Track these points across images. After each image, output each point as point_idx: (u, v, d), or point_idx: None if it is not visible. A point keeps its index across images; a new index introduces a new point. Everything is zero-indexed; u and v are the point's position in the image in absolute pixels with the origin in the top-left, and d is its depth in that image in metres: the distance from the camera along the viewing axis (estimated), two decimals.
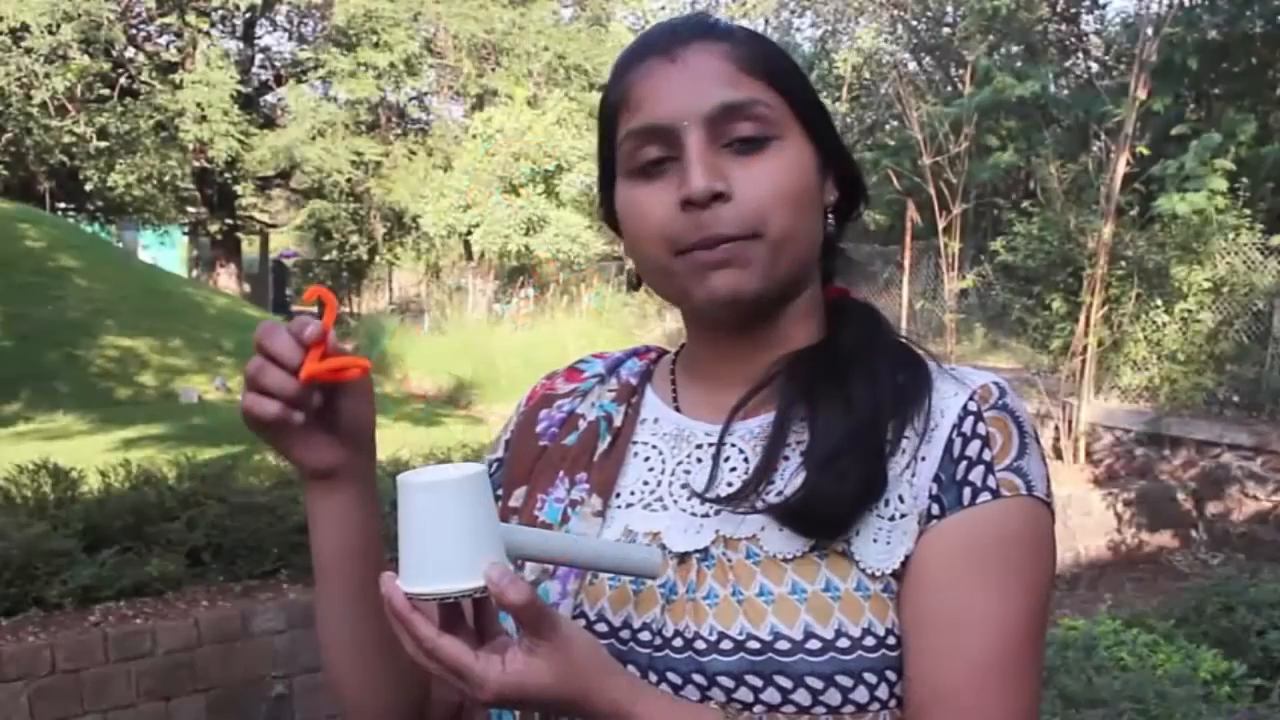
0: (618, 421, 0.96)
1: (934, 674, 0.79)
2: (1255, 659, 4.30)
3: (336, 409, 0.87)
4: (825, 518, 0.82)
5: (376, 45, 19.92)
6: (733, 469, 0.89)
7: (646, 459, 0.94)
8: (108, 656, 4.26)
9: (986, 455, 0.83)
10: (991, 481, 0.82)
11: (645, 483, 0.92)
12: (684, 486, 0.90)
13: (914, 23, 22.10)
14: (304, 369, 0.81)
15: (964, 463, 0.83)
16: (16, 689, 4.07)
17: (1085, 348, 8.60)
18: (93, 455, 6.59)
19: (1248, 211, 9.40)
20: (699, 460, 0.91)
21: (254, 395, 0.82)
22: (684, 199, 0.83)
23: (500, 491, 0.99)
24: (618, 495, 0.92)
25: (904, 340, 0.93)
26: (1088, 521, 7.69)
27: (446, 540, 0.74)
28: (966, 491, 0.82)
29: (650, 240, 0.87)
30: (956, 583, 0.81)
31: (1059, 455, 8.68)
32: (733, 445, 0.90)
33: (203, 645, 4.47)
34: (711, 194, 0.83)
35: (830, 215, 0.93)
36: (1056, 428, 8.83)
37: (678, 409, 0.96)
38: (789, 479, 0.85)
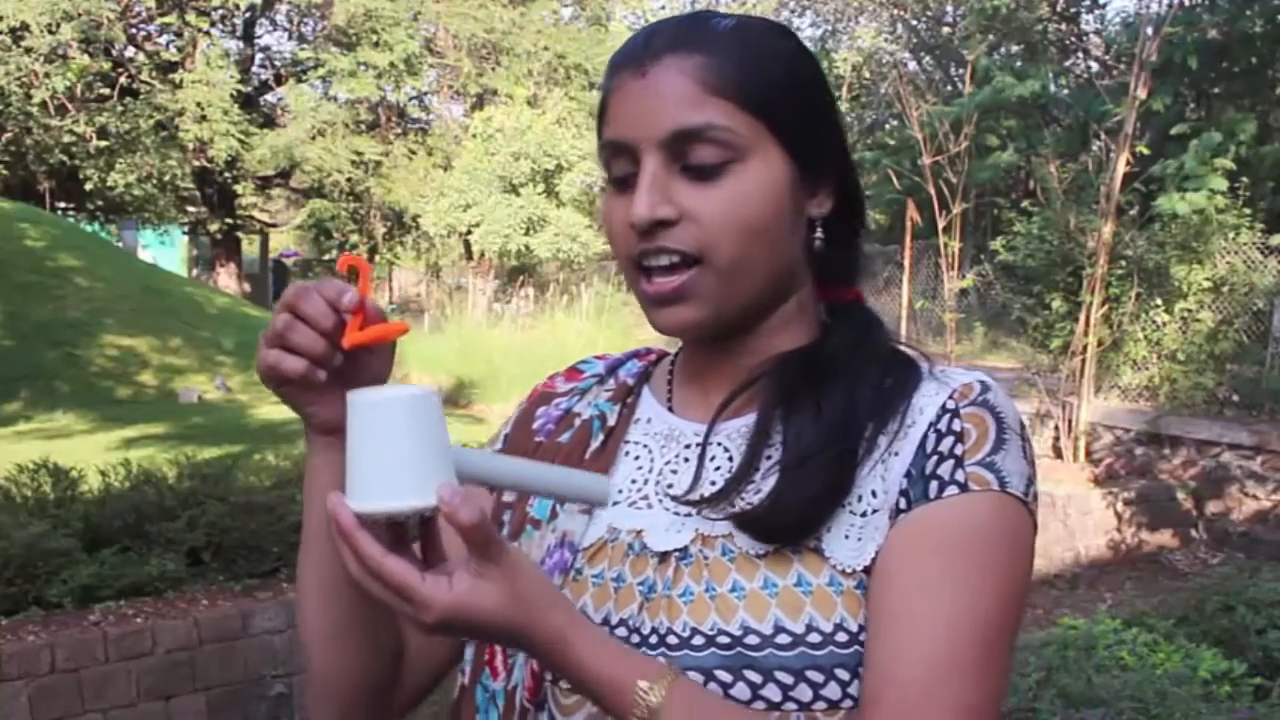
0: (611, 421, 0.98)
1: (887, 664, 0.78)
2: (1255, 658, 4.30)
3: (359, 365, 0.87)
4: (785, 527, 0.83)
5: (376, 45, 19.93)
6: (717, 468, 0.90)
7: (636, 458, 0.95)
8: (108, 656, 4.26)
9: (958, 450, 0.82)
10: (960, 476, 0.81)
11: (633, 481, 0.93)
12: (669, 486, 0.91)
13: (914, 22, 22.11)
14: (346, 338, 0.81)
15: (935, 457, 0.82)
16: (16, 688, 4.06)
17: (1085, 347, 8.60)
18: (93, 455, 6.59)
19: (1248, 211, 9.40)
20: (685, 460, 0.92)
21: (279, 352, 0.82)
22: (630, 222, 0.85)
23: None
24: None
25: (900, 345, 0.92)
26: (1088, 521, 7.69)
27: (396, 458, 0.73)
28: (933, 485, 0.82)
29: (616, 253, 0.90)
30: (915, 574, 0.79)
31: (1059, 455, 8.68)
32: (718, 445, 0.91)
33: (203, 645, 4.47)
34: (652, 222, 0.84)
35: (820, 227, 0.91)
36: (1056, 427, 8.83)
37: (671, 409, 0.97)
38: (767, 479, 0.85)
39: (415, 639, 0.97)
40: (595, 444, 0.96)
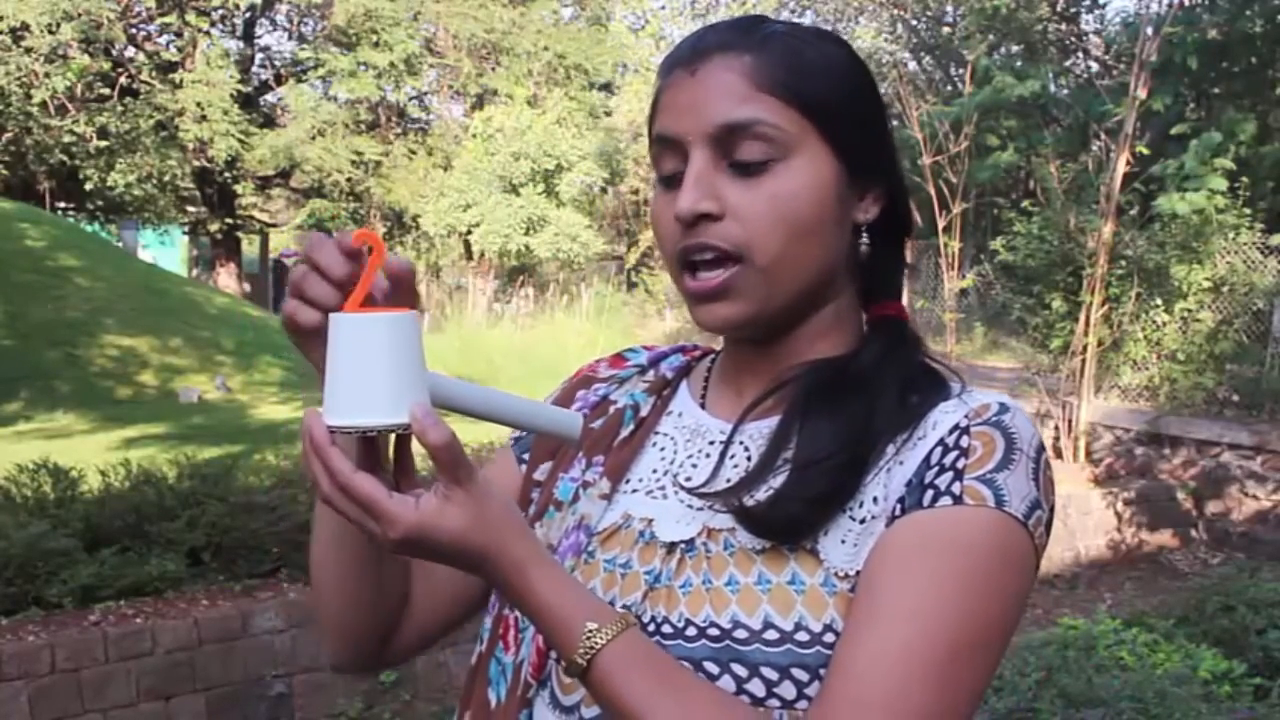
0: (644, 412, 0.99)
1: (849, 660, 0.77)
2: (1255, 658, 4.31)
3: None
4: (783, 523, 0.83)
5: (376, 45, 19.94)
6: (735, 466, 0.90)
7: (661, 449, 0.96)
8: (108, 656, 4.26)
9: (960, 464, 0.82)
10: (956, 488, 0.81)
11: (654, 470, 0.95)
12: (687, 479, 0.92)
13: (914, 22, 22.11)
14: (345, 309, 0.80)
15: (935, 469, 0.82)
16: (16, 688, 4.06)
17: (1085, 347, 8.60)
18: (93, 455, 6.59)
19: (1248, 211, 9.40)
20: (707, 456, 0.93)
21: (297, 303, 0.83)
22: (674, 215, 0.86)
23: (526, 456, 1.03)
24: (627, 481, 0.95)
25: (933, 362, 0.92)
26: (1088, 521, 7.69)
27: (373, 376, 0.74)
28: (928, 494, 0.81)
29: (663, 250, 0.91)
30: (892, 576, 0.79)
31: (1059, 455, 8.68)
32: (740, 444, 0.92)
33: (203, 645, 4.47)
34: (696, 215, 0.85)
35: (865, 233, 0.91)
36: (1056, 427, 8.83)
37: (703, 406, 0.98)
38: (779, 479, 0.86)
39: (420, 591, 0.99)
40: (625, 432, 0.97)
